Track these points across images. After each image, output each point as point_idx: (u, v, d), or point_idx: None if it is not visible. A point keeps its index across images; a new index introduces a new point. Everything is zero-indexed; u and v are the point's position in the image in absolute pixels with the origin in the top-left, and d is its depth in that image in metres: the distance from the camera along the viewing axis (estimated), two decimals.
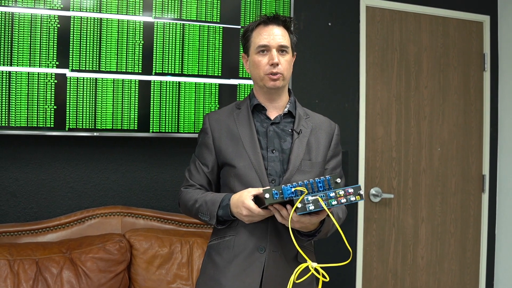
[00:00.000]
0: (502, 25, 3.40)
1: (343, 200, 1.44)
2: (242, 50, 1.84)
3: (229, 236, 1.72)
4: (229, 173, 1.75)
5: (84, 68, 2.35)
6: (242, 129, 1.75)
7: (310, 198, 1.42)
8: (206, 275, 1.76)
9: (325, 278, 1.49)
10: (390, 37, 3.15)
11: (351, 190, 1.44)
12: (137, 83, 2.44)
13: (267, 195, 1.45)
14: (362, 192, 1.45)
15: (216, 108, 2.57)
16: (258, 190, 1.55)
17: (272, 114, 1.79)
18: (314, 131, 1.80)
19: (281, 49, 1.73)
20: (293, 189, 1.44)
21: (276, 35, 1.73)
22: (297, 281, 1.50)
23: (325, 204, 1.43)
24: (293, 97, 1.84)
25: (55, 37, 2.30)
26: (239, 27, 2.60)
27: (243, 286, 1.67)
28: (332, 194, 1.44)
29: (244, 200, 1.56)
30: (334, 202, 1.44)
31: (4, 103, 2.24)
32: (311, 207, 1.42)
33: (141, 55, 2.44)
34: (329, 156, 1.82)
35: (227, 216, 1.64)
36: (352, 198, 1.44)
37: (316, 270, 1.48)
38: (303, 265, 1.49)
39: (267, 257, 1.68)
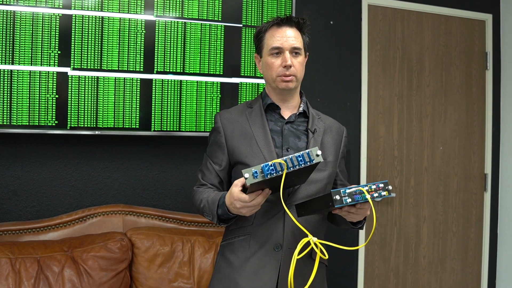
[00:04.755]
0: (505, 23, 3.39)
1: (375, 195, 1.45)
2: (250, 50, 1.83)
3: (244, 236, 1.72)
4: None
5: (85, 67, 2.35)
6: (256, 128, 1.76)
7: (347, 191, 1.43)
8: (221, 274, 1.76)
9: (324, 255, 1.50)
10: (392, 35, 3.14)
11: (381, 185, 1.45)
12: (139, 81, 2.44)
13: (246, 175, 1.41)
14: (390, 187, 1.46)
15: (217, 106, 2.56)
16: (242, 180, 1.53)
17: (286, 113, 1.80)
18: (326, 131, 1.82)
19: (294, 51, 1.74)
20: (270, 163, 1.41)
21: (289, 37, 1.73)
22: (298, 257, 1.50)
23: (359, 198, 1.43)
24: (304, 98, 1.85)
25: (56, 35, 2.30)
26: (241, 25, 2.60)
27: (259, 285, 1.68)
28: (366, 188, 1.44)
29: (233, 194, 1.53)
30: (367, 196, 1.44)
31: (6, 101, 2.25)
32: (348, 200, 1.42)
33: (142, 54, 2.44)
34: (340, 157, 1.85)
35: (226, 214, 1.64)
36: (383, 193, 1.45)
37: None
38: (305, 240, 1.49)
39: (283, 255, 1.68)
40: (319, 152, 1.44)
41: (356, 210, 1.52)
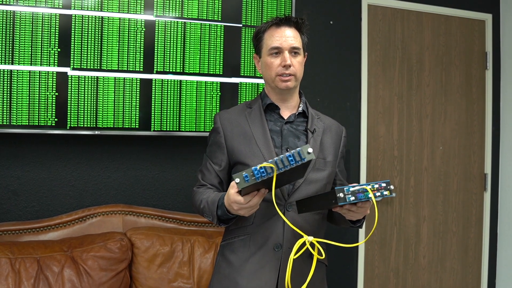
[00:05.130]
0: (505, 23, 3.39)
1: (377, 194, 1.45)
2: (250, 50, 1.83)
3: (244, 235, 1.73)
4: None
5: (85, 67, 2.35)
6: (255, 128, 1.76)
7: (351, 189, 1.43)
8: (221, 274, 1.77)
9: (321, 255, 1.50)
10: (392, 35, 3.14)
11: (383, 185, 1.46)
12: (139, 81, 2.44)
13: (237, 180, 1.40)
14: (392, 187, 1.47)
15: (217, 106, 2.56)
16: None
17: (285, 113, 1.80)
18: (325, 131, 1.83)
19: (293, 51, 1.74)
20: (259, 166, 1.40)
21: (288, 36, 1.73)
22: (294, 257, 1.51)
23: (362, 196, 1.44)
24: (304, 98, 1.85)
25: (56, 35, 2.30)
26: (241, 25, 2.60)
27: (259, 284, 1.68)
28: (369, 187, 1.45)
29: (230, 197, 1.53)
30: (370, 195, 1.45)
31: (6, 101, 2.25)
32: (352, 198, 1.43)
33: (142, 54, 2.44)
34: (339, 157, 1.85)
35: (226, 215, 1.64)
36: (385, 193, 1.46)
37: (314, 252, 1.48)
38: (301, 240, 1.50)
39: (283, 255, 1.69)
40: (310, 150, 1.42)
41: (357, 208, 1.52)
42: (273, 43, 1.73)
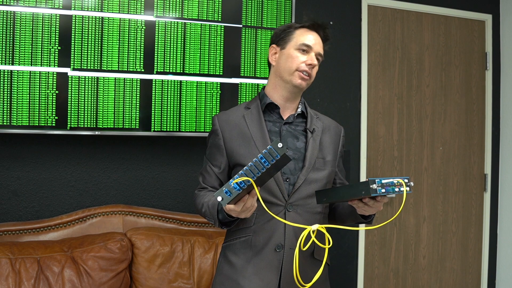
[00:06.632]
0: (504, 24, 3.40)
1: (402, 189, 1.46)
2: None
3: (245, 236, 1.73)
4: None
5: (85, 67, 2.35)
6: (254, 129, 1.76)
7: (383, 181, 1.43)
8: (223, 275, 1.77)
9: (329, 242, 1.51)
10: (392, 36, 3.14)
11: (405, 180, 1.47)
12: (139, 82, 2.44)
13: (219, 198, 1.40)
14: (412, 184, 1.48)
15: (217, 107, 2.57)
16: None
17: (285, 114, 1.81)
18: (324, 131, 1.84)
19: (318, 57, 1.80)
20: (233, 181, 1.39)
21: (318, 42, 1.80)
22: (303, 249, 1.51)
23: (390, 190, 1.44)
24: (302, 98, 1.86)
25: (56, 36, 2.30)
26: (241, 26, 2.60)
27: (261, 285, 1.69)
28: (396, 181, 1.46)
29: (225, 207, 1.53)
30: (396, 189, 1.46)
31: (6, 102, 2.25)
32: (382, 190, 1.43)
33: (142, 54, 2.44)
34: (338, 156, 1.87)
35: (226, 218, 1.64)
36: (403, 189, 1.46)
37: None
38: (306, 231, 1.50)
39: (285, 255, 1.69)
40: (280, 144, 1.39)
41: (374, 203, 1.54)
42: (306, 41, 1.77)
